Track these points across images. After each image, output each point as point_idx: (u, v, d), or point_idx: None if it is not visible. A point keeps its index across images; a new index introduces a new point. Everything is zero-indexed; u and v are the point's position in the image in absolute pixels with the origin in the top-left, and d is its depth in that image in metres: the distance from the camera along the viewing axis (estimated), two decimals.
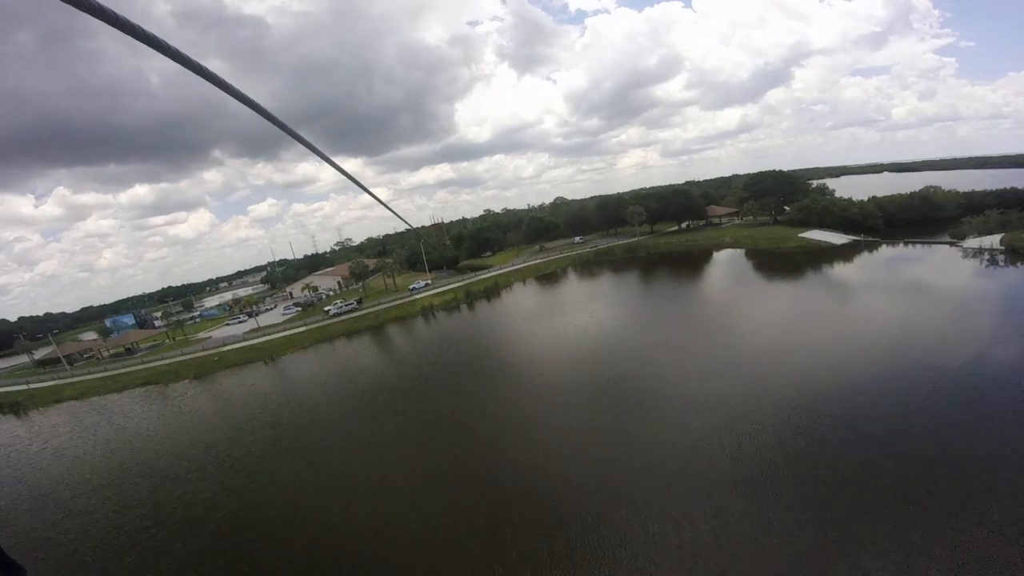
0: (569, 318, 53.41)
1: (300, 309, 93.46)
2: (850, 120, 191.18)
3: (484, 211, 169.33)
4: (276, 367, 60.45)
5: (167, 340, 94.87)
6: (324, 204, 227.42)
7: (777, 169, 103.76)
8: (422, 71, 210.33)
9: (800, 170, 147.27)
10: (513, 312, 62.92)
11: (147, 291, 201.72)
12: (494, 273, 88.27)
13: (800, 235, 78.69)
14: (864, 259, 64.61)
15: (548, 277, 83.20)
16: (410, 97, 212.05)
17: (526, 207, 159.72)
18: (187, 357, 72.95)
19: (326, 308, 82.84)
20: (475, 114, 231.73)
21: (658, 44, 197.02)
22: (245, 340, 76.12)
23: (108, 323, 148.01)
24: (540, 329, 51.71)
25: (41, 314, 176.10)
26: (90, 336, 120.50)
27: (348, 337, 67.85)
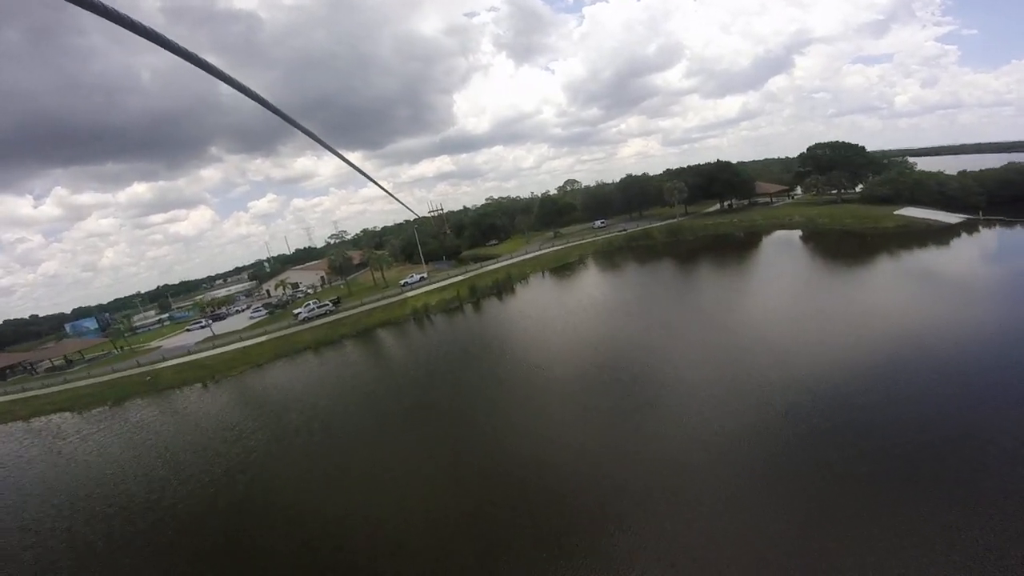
0: (630, 330, 36.93)
1: (268, 313, 77.06)
2: (852, 108, 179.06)
3: (487, 199, 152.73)
4: (214, 393, 44.33)
5: (114, 351, 78.83)
6: (324, 199, 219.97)
7: (835, 140, 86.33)
8: (419, 62, 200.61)
9: None
10: (537, 317, 46.28)
11: (149, 290, 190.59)
12: (503, 263, 71.59)
13: (896, 212, 61.66)
14: (1010, 241, 47.78)
15: (571, 267, 66.59)
16: (408, 89, 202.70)
17: (529, 196, 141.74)
18: (117, 375, 57.02)
19: (296, 311, 66.57)
20: (474, 105, 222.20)
21: (657, 33, 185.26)
22: (191, 353, 60.04)
23: (68, 328, 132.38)
24: (588, 349, 35.15)
25: (41, 315, 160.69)
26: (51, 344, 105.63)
27: (316, 351, 51.48)
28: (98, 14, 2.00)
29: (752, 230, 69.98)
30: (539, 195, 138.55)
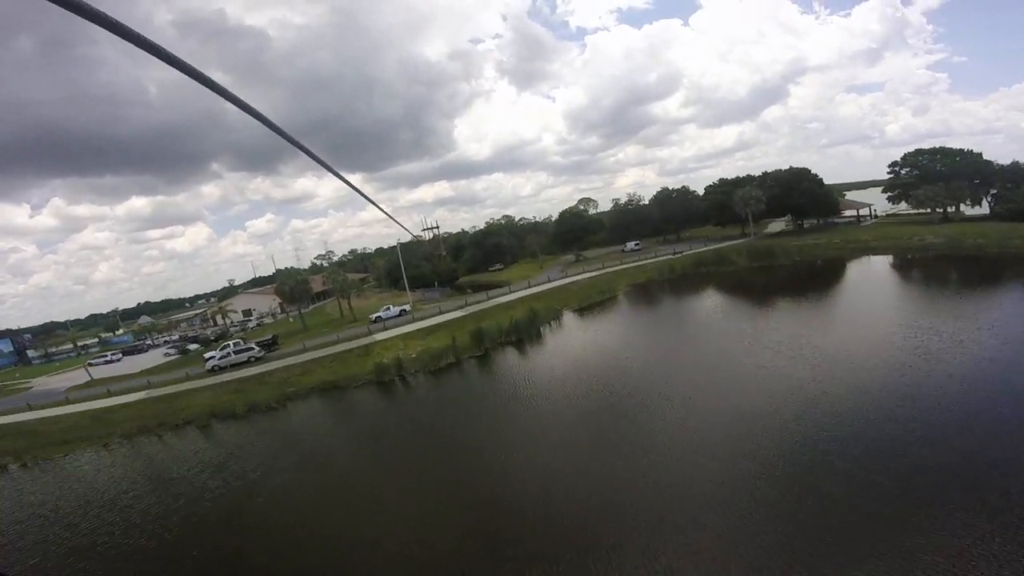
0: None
1: (179, 353, 54.70)
2: (845, 138, 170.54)
3: (487, 223, 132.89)
4: None
5: None
6: (323, 220, 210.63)
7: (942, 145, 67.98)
8: (422, 86, 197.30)
9: None
10: (606, 393, 24.74)
11: (129, 307, 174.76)
12: (517, 294, 50.35)
13: None
14: None
15: (615, 303, 45.76)
16: (410, 112, 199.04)
17: (532, 219, 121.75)
18: None
19: (207, 356, 44.52)
20: (475, 131, 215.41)
21: (657, 61, 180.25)
22: (55, 404, 38.74)
23: None
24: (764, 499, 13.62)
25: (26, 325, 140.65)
26: None
27: (204, 427, 29.31)
28: (108, 28, 1.97)
29: (875, 252, 49.75)
30: (544, 219, 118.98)
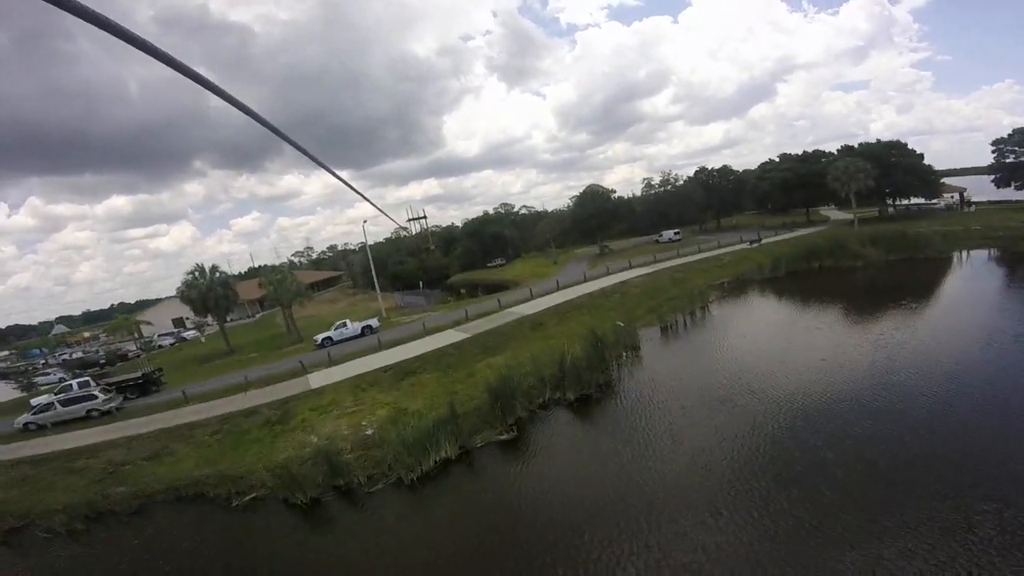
0: None
1: (21, 389, 35.78)
2: (830, 135, 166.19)
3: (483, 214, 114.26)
4: None
5: None
6: (310, 218, 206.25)
7: None
8: (411, 82, 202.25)
9: None
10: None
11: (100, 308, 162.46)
12: (539, 302, 32.93)
13: None
14: None
15: (723, 316, 28.87)
16: (398, 109, 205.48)
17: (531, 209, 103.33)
18: None
19: (34, 403, 26.34)
20: (464, 128, 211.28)
21: (647, 58, 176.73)
22: None
23: None
24: None
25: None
26: None
27: None
28: (89, 21, 1.88)
29: None
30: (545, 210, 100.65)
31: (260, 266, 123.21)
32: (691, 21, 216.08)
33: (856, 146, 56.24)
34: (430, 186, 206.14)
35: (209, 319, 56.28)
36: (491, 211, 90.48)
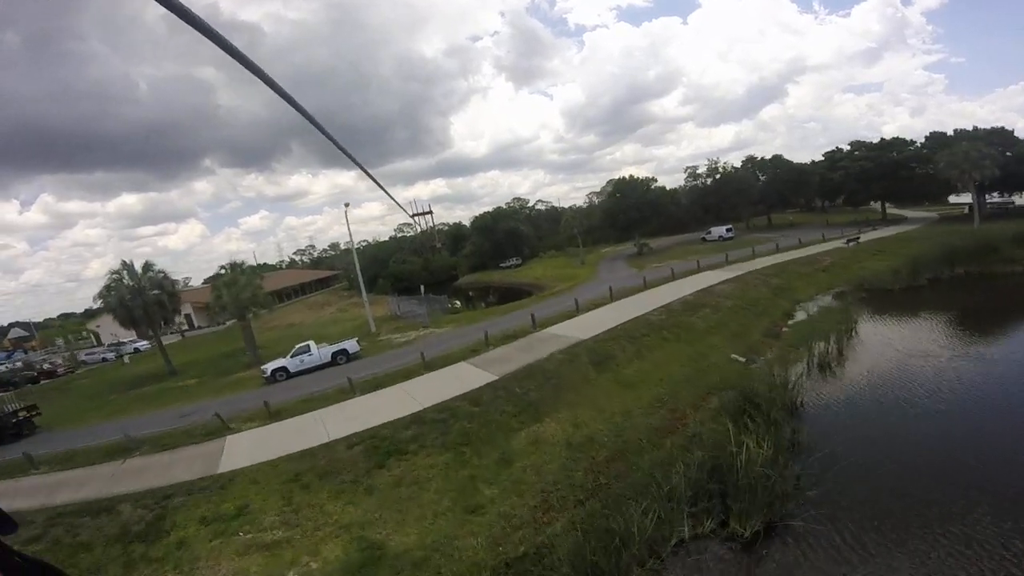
0: None
1: None
2: (842, 138, 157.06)
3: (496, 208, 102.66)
4: None
5: None
6: (317, 217, 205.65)
7: None
8: (419, 83, 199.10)
9: None
10: None
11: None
12: (595, 326, 23.09)
13: None
14: None
15: (886, 346, 18.96)
16: (406, 109, 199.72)
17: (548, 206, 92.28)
18: None
19: None
20: (471, 128, 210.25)
21: (656, 59, 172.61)
22: None
23: None
24: None
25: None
26: None
27: None
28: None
29: None
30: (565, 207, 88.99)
31: (261, 264, 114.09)
32: (701, 22, 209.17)
33: (950, 133, 46.20)
34: (437, 186, 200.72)
35: (183, 320, 47.22)
36: (504, 207, 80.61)
